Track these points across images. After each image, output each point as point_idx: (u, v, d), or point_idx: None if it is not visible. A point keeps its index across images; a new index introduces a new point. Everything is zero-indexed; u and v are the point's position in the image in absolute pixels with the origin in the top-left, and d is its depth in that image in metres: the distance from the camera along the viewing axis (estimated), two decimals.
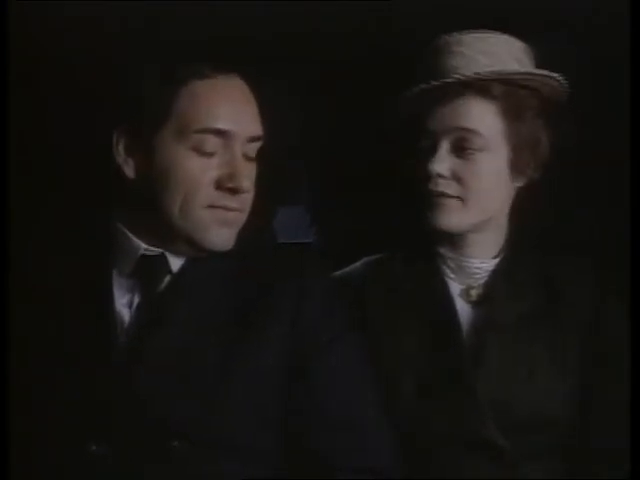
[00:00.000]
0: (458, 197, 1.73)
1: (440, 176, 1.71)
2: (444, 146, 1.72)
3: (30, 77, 2.12)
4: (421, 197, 1.74)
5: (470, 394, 1.72)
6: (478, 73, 1.71)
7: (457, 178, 1.72)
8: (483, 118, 1.73)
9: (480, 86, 1.72)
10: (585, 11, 2.07)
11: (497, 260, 1.81)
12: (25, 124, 2.06)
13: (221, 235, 1.63)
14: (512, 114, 1.74)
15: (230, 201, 1.62)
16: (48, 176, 2.31)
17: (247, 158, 1.64)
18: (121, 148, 1.63)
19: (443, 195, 1.72)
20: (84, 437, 1.58)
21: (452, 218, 1.74)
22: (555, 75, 1.75)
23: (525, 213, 1.79)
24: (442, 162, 1.71)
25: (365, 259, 1.92)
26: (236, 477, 1.59)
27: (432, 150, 1.72)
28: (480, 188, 1.74)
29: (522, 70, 1.74)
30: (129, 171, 1.63)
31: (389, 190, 1.91)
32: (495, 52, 1.74)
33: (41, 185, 2.29)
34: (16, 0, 1.79)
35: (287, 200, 2.65)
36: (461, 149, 1.72)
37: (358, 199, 2.53)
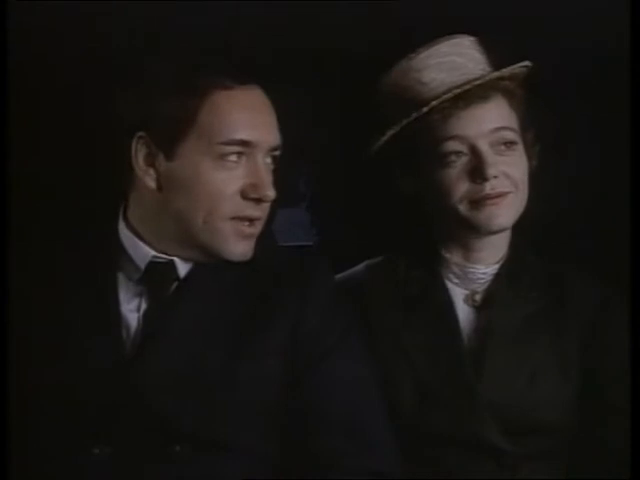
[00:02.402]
0: (510, 191, 1.74)
1: (495, 177, 1.72)
2: (485, 148, 1.73)
3: (30, 77, 2.11)
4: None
5: (471, 396, 1.73)
6: (503, 72, 1.74)
7: (505, 174, 1.74)
8: (509, 114, 1.76)
9: (500, 85, 1.75)
10: (585, 11, 2.07)
11: (500, 263, 1.82)
12: (28, 123, 2.05)
13: (241, 247, 1.63)
14: (517, 107, 1.77)
15: (254, 210, 1.63)
16: (55, 180, 2.31)
17: (268, 167, 1.65)
18: (141, 158, 1.63)
19: (499, 195, 1.73)
20: (87, 440, 1.58)
21: (508, 214, 1.75)
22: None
23: (527, 214, 1.79)
24: (493, 164, 1.72)
25: (367, 262, 1.93)
26: (236, 477, 1.59)
27: (474, 155, 1.73)
28: (523, 179, 1.77)
29: (524, 64, 1.77)
30: (150, 181, 1.63)
31: (391, 193, 1.90)
32: (472, 55, 1.78)
33: (49, 189, 2.29)
34: (16, 0, 1.79)
35: (287, 202, 2.64)
36: (499, 147, 1.74)
37: (359, 201, 2.53)
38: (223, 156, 1.60)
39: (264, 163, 1.63)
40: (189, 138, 1.60)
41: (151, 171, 1.63)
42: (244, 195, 1.61)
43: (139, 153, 1.63)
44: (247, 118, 1.62)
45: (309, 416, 1.63)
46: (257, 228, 1.65)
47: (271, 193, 1.63)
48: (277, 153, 1.67)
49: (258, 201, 1.62)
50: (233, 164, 1.61)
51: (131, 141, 1.62)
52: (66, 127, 2.24)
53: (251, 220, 1.63)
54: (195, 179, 1.60)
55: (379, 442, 1.65)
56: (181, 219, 1.62)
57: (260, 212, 1.64)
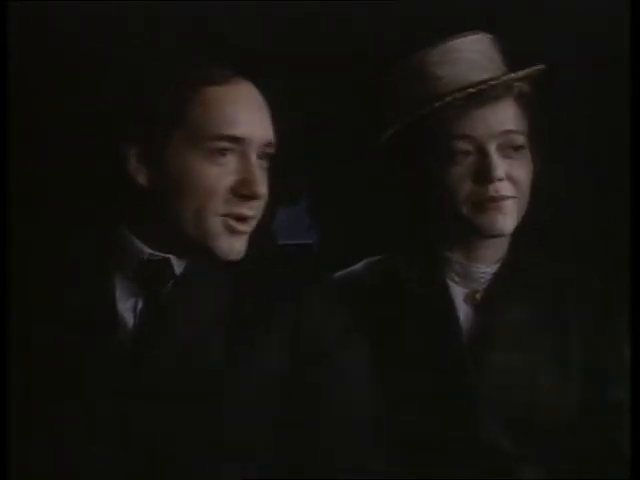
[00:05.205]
0: (514, 197, 1.74)
1: (500, 180, 1.72)
2: (493, 150, 1.72)
3: (30, 77, 2.11)
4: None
5: (471, 395, 1.73)
6: (519, 74, 1.74)
7: (510, 179, 1.73)
8: (519, 117, 1.76)
9: (514, 87, 1.74)
10: (585, 11, 2.07)
11: (501, 262, 1.82)
12: (27, 123, 2.05)
13: (233, 245, 1.62)
14: (527, 110, 1.77)
15: (246, 208, 1.61)
16: (51, 179, 2.31)
17: (261, 164, 1.64)
18: (133, 156, 1.62)
19: (503, 198, 1.73)
20: (85, 439, 1.58)
21: (510, 219, 1.75)
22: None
23: (527, 214, 1.79)
24: (499, 166, 1.72)
25: (367, 260, 1.93)
26: (236, 477, 1.59)
27: (481, 155, 1.73)
28: (527, 185, 1.76)
29: (539, 67, 1.76)
30: (142, 179, 1.63)
31: (391, 191, 1.91)
32: (489, 53, 1.77)
33: (44, 188, 2.29)
34: (16, 0, 1.79)
35: (287, 200, 2.64)
36: (506, 150, 1.74)
37: (359, 199, 2.53)
38: (214, 152, 1.59)
39: (256, 160, 1.62)
40: (180, 134, 1.60)
41: (143, 169, 1.62)
42: (235, 192, 1.60)
43: (131, 152, 1.62)
44: (239, 114, 1.61)
45: (307, 415, 1.63)
46: (250, 226, 1.64)
47: (262, 190, 1.62)
48: (271, 150, 1.65)
49: (249, 198, 1.61)
50: (224, 160, 1.60)
51: (123, 140, 1.62)
52: (66, 127, 2.24)
53: (243, 219, 1.62)
54: (186, 175, 1.59)
55: (378, 442, 1.65)
56: (172, 216, 1.61)
57: (253, 211, 1.62)
